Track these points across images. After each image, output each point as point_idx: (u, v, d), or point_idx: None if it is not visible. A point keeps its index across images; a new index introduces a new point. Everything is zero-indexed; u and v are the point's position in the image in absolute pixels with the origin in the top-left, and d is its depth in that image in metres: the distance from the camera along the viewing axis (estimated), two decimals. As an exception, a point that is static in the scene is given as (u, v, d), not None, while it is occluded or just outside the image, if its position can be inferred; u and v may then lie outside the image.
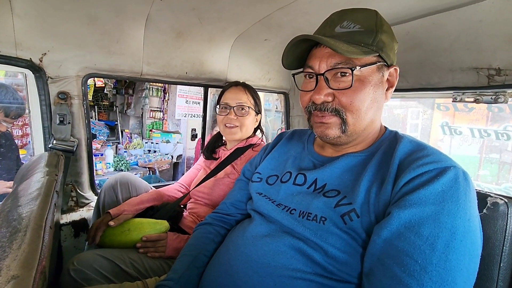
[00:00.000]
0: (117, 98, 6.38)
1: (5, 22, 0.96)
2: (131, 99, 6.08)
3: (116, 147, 4.58)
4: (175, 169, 4.87)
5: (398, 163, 0.63)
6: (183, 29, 1.22)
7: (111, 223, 1.06)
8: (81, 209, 1.29)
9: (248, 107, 1.29)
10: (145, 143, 4.77)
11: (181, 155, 4.83)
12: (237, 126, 1.29)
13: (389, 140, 0.72)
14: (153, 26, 1.16)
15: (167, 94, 5.14)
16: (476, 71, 0.99)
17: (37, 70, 1.06)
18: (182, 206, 1.39)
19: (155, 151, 4.63)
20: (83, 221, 1.29)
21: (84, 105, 1.21)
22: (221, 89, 1.38)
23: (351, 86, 0.65)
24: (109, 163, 3.76)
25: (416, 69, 1.17)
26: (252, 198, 0.85)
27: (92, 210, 1.25)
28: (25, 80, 1.09)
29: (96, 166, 3.62)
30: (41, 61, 1.06)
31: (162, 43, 1.24)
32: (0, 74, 2.75)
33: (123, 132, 5.48)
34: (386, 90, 0.72)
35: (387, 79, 0.71)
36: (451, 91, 1.09)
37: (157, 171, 4.28)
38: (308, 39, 0.66)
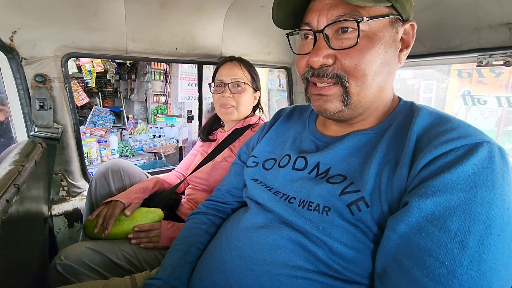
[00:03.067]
0: (120, 83, 6.30)
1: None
2: (134, 84, 6.01)
3: (121, 133, 4.55)
4: (181, 153, 4.84)
5: (415, 140, 0.52)
6: (167, -3, 1.08)
7: (127, 212, 0.99)
8: (73, 198, 1.24)
9: (244, 83, 1.17)
10: (150, 128, 4.72)
11: (187, 138, 4.77)
12: (233, 106, 1.19)
13: (404, 112, 0.61)
14: (133, -5, 1.03)
15: (169, 77, 5.01)
16: (508, 27, 0.84)
17: (9, 51, 0.96)
18: (180, 193, 1.32)
19: (160, 136, 4.58)
20: (76, 211, 1.24)
21: (67, 88, 1.11)
22: (215, 66, 1.27)
23: (357, 43, 0.52)
24: (114, 150, 3.74)
25: (434, 30, 1.02)
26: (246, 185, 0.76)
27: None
28: (-3, 63, 1.00)
29: (101, 153, 3.61)
30: (11, 40, 0.96)
31: (146, 14, 1.12)
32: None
33: (129, 118, 5.45)
34: (400, 51, 0.59)
35: (401, 37, 0.58)
36: (476, 54, 0.94)
37: (163, 156, 4.25)
38: None
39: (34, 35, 0.99)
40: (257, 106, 1.33)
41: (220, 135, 1.31)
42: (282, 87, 4.44)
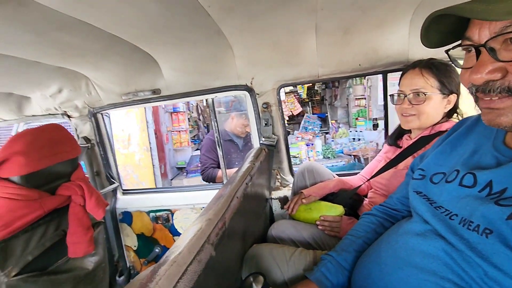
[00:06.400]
0: (326, 92, 7.08)
1: (231, 63, 1.48)
2: (337, 91, 6.54)
3: (324, 137, 5.14)
4: (381, 156, 4.70)
5: None
6: (349, 25, 1.26)
7: (304, 201, 1.34)
8: (283, 188, 1.71)
9: (425, 92, 1.10)
10: (350, 131, 4.98)
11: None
12: (414, 115, 1.15)
13: None
14: (322, 32, 1.30)
15: (368, 80, 5.02)
16: None
17: (250, 91, 1.54)
18: (363, 195, 1.45)
19: (359, 139, 4.72)
20: (285, 197, 1.70)
21: (280, 110, 1.58)
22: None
23: None
24: (318, 151, 4.34)
25: None
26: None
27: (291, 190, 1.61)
28: (245, 99, 1.62)
29: (308, 154, 4.31)
30: (251, 84, 1.52)
31: (332, 44, 1.35)
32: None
33: (331, 123, 6.04)
34: None
35: None
36: None
37: (362, 159, 4.35)
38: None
39: (262, 77, 1.51)
40: (454, 110, 1.19)
41: (406, 142, 1.30)
42: None
